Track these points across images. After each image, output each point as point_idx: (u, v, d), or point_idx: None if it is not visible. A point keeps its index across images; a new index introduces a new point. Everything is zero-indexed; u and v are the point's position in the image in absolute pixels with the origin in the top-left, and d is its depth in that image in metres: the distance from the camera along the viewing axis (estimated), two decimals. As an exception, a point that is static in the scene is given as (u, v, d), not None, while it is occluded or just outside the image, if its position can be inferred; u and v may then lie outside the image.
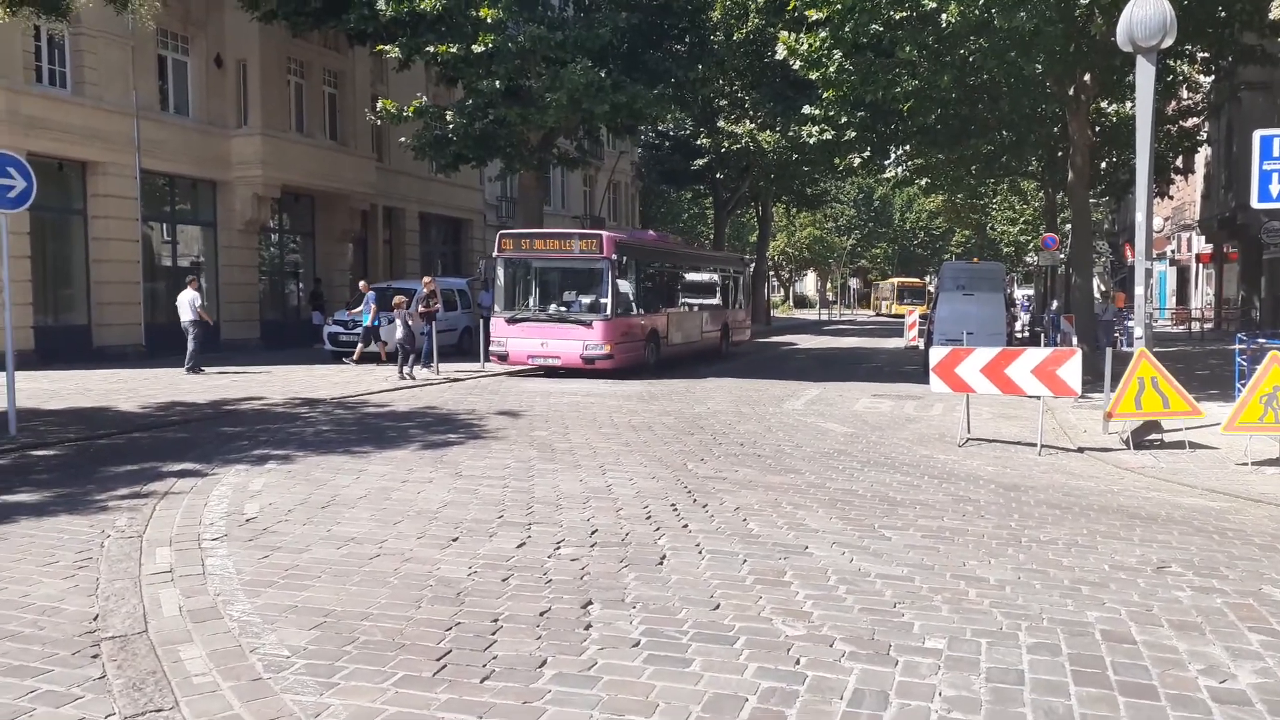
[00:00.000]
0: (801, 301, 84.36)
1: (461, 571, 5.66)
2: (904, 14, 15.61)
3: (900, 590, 5.37)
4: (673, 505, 7.46)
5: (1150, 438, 10.70)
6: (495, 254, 19.19)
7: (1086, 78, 17.16)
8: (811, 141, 26.23)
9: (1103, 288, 45.62)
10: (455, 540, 6.37)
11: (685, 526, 6.78)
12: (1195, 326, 33.98)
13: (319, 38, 25.71)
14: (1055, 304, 28.86)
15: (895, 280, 68.57)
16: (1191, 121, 26.61)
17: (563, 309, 18.90)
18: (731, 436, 11.16)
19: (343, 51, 26.82)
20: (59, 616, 4.86)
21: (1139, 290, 10.98)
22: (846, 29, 16.27)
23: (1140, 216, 10.85)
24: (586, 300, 18.69)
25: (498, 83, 20.28)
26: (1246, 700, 3.99)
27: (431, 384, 17.05)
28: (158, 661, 4.27)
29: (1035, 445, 10.39)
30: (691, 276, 23.98)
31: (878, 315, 64.82)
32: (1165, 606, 5.15)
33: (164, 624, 4.75)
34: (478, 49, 19.74)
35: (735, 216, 51.69)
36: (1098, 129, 22.85)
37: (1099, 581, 5.57)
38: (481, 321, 20.37)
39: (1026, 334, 29.97)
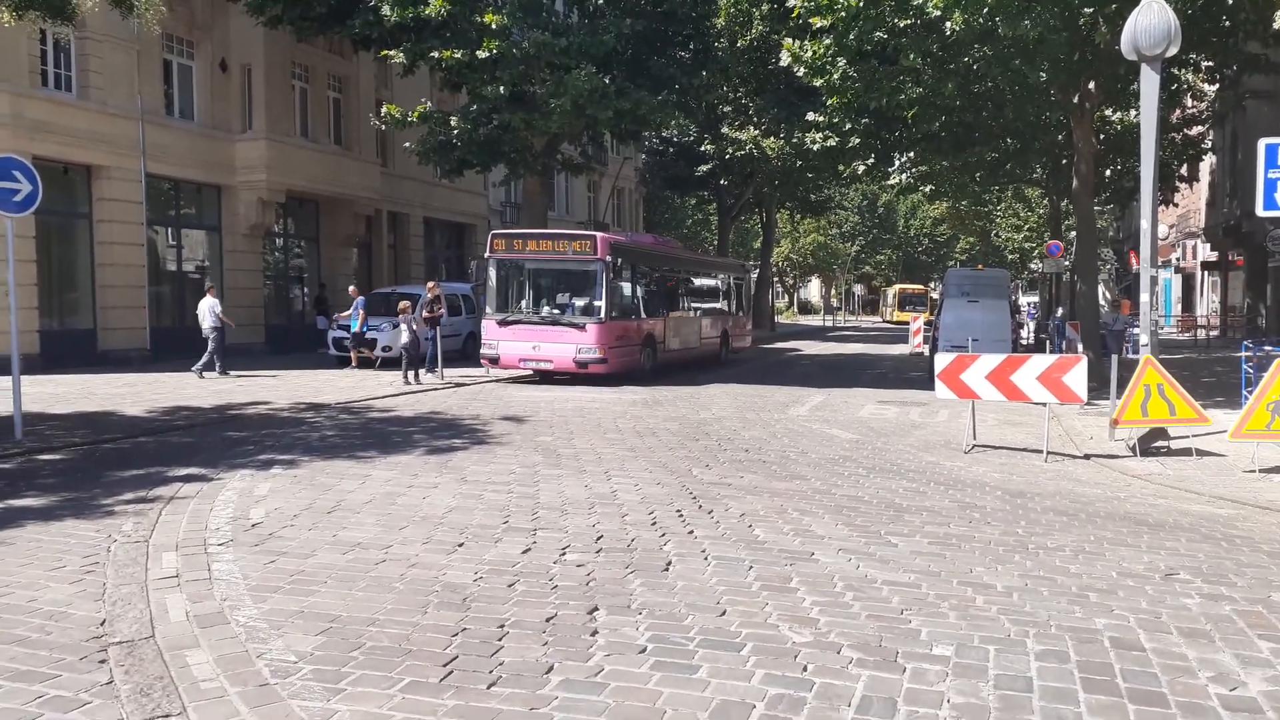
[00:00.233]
0: (806, 308, 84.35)
1: (467, 577, 5.65)
2: (908, 21, 15.63)
3: (907, 597, 5.35)
4: (678, 511, 7.45)
5: (1157, 445, 10.68)
6: (487, 255, 18.79)
7: (1091, 86, 17.17)
8: (815, 148, 26.29)
9: (1109, 295, 45.58)
10: (461, 546, 6.37)
11: (691, 532, 6.77)
12: (1201, 334, 33.94)
13: (324, 43, 25.79)
14: (1060, 311, 28.83)
15: (896, 287, 68.54)
16: (1196, 130, 26.62)
17: (556, 312, 18.49)
18: (736, 442, 11.15)
19: (347, 56, 26.90)
20: (66, 621, 4.85)
21: (1144, 298, 10.96)
22: (851, 36, 16.30)
23: (1145, 224, 10.85)
24: (580, 303, 18.25)
25: (502, 88, 20.33)
26: (1257, 708, 3.97)
27: (436, 389, 17.06)
28: (165, 667, 4.27)
29: (1041, 452, 10.37)
30: (690, 281, 23.55)
31: (884, 321, 64.67)
32: (1174, 613, 5.13)
33: (171, 629, 4.75)
34: (482, 55, 19.80)
35: (739, 223, 51.74)
36: (1102, 137, 22.85)
37: (1107, 588, 5.56)
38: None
39: (1031, 341, 29.94)
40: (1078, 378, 9.98)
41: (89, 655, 4.40)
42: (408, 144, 24.36)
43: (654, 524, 7.02)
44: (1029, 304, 48.81)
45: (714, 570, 5.85)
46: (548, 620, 4.91)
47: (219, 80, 23.70)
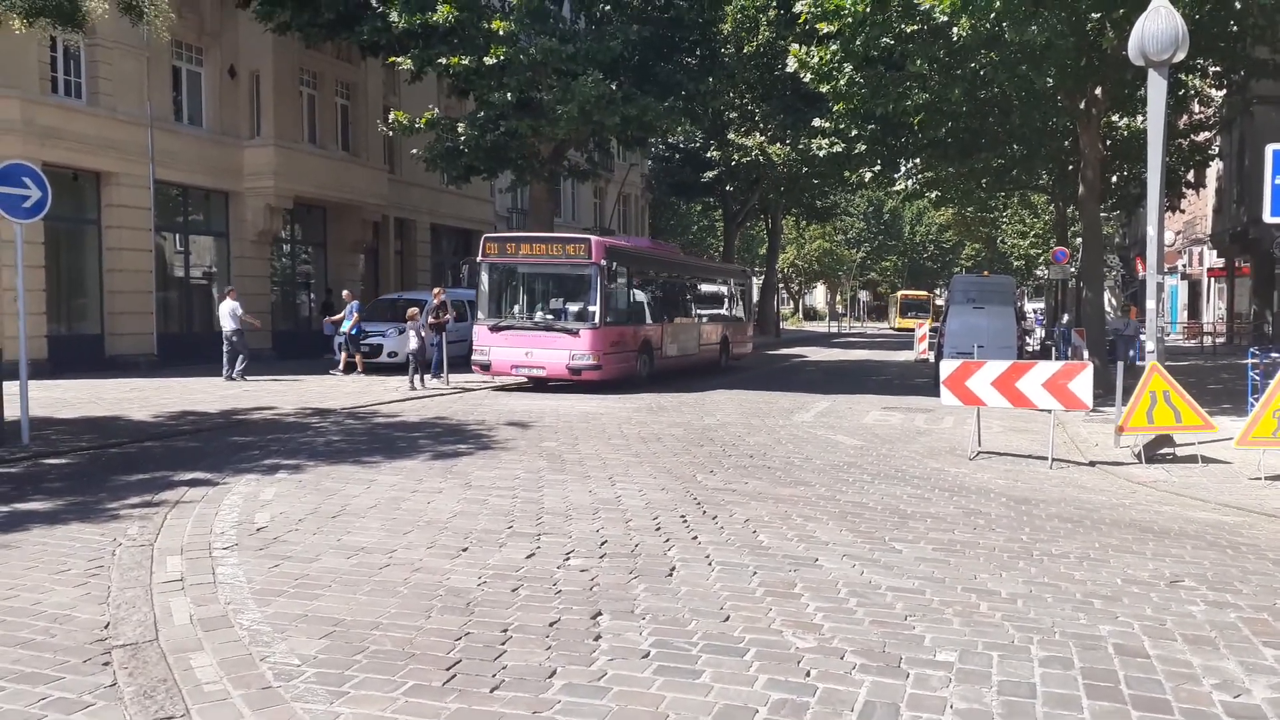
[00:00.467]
0: (811, 314, 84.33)
1: (471, 581, 5.66)
2: (915, 27, 15.64)
3: (911, 603, 5.34)
4: (682, 517, 7.45)
5: (1162, 452, 10.65)
6: (479, 258, 18.38)
7: (1098, 91, 17.15)
8: (821, 154, 26.31)
9: (1115, 302, 45.48)
10: (465, 550, 6.37)
11: (695, 538, 6.77)
12: (1207, 341, 33.83)
13: (332, 49, 25.90)
14: (1066, 318, 28.78)
15: (900, 293, 68.40)
16: (1203, 136, 26.55)
17: (549, 317, 18.14)
18: (741, 448, 11.15)
19: (355, 63, 27.00)
20: (71, 624, 4.87)
21: (1150, 304, 10.94)
22: (857, 42, 16.31)
23: (1151, 230, 10.83)
24: (574, 308, 17.87)
25: (509, 95, 20.36)
26: (1262, 716, 3.95)
27: (442, 394, 17.08)
28: (169, 669, 4.28)
29: (1046, 459, 10.35)
30: (689, 286, 23.17)
31: (891, 328, 64.48)
32: (1179, 621, 5.11)
33: (175, 632, 4.76)
34: (489, 61, 19.85)
35: (745, 229, 51.76)
36: (1109, 143, 22.80)
37: (1111, 595, 5.54)
38: None
39: (1037, 348, 29.88)
40: (1083, 384, 9.96)
41: (93, 658, 4.42)
42: (415, 150, 24.42)
43: (658, 529, 7.02)
44: (1034, 311, 48.74)
45: (718, 575, 5.84)
46: (551, 625, 4.92)
47: (227, 87, 23.81)
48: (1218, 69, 19.90)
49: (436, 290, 19.87)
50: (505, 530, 6.94)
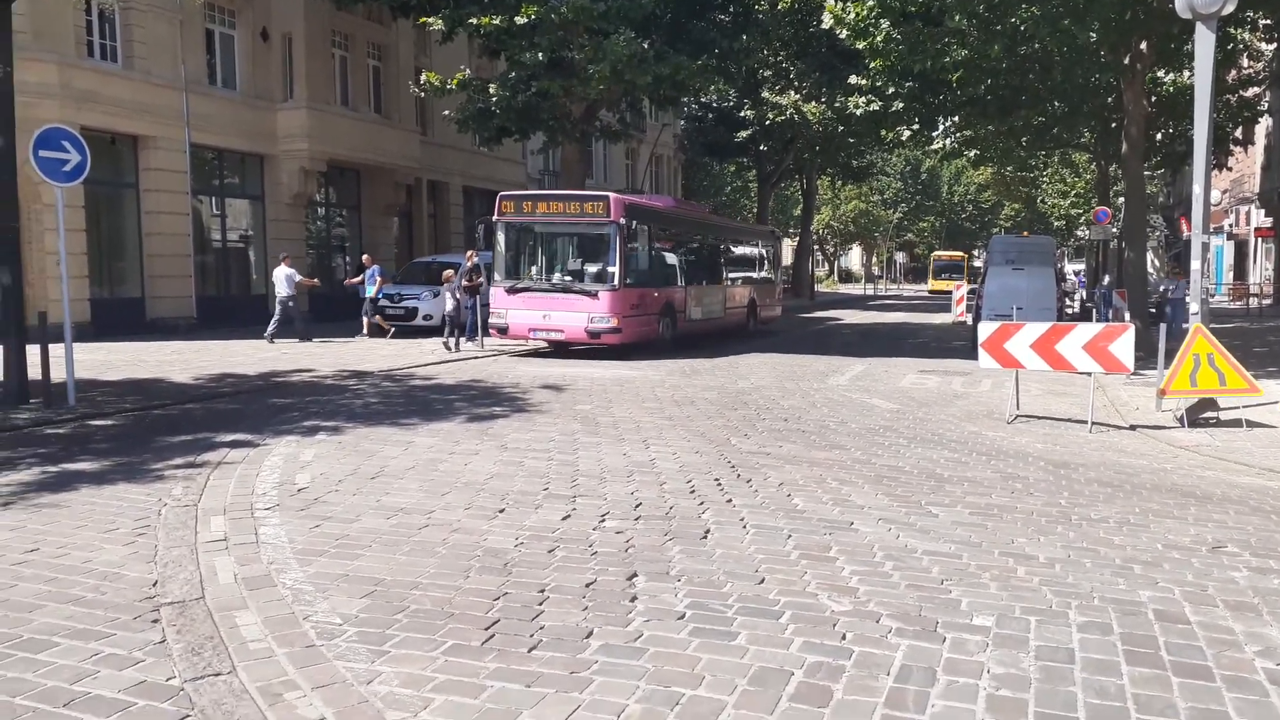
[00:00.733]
0: (847, 276, 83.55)
1: (508, 542, 5.71)
2: (954, -19, 15.29)
3: (948, 567, 5.33)
4: (716, 480, 7.46)
5: (1205, 415, 10.48)
6: (495, 217, 17.87)
7: (1143, 46, 16.70)
8: (858, 113, 25.93)
9: (1156, 263, 44.64)
10: (502, 511, 6.43)
11: (729, 501, 6.78)
12: (1253, 303, 33.14)
13: (363, 10, 25.78)
14: (1107, 279, 28.28)
15: (934, 254, 67.45)
16: (1252, 91, 25.82)
17: (567, 278, 17.60)
18: (775, 412, 11.12)
19: (386, 24, 26.92)
20: (120, 582, 4.99)
21: (1195, 265, 10.72)
22: (895, -3, 15.99)
23: (1198, 189, 10.57)
24: (593, 269, 17.33)
25: (540, 54, 20.19)
26: (1305, 684, 3.91)
27: (477, 357, 17.19)
28: (215, 627, 4.38)
29: (1086, 422, 10.22)
30: (715, 247, 22.45)
31: (929, 291, 63.56)
32: (1221, 587, 5.05)
33: (220, 591, 4.86)
34: (520, 21, 19.66)
35: (779, 190, 51.25)
36: (1153, 99, 22.25)
37: (1152, 560, 5.49)
38: None
39: (1077, 310, 29.44)
40: (1124, 347, 9.80)
41: (142, 615, 4.53)
42: (447, 112, 24.35)
43: (692, 492, 7.04)
44: (1076, 272, 47.95)
45: (752, 539, 5.86)
46: (587, 586, 4.96)
47: (260, 49, 23.85)
48: (1269, 21, 19.30)
49: (470, 253, 19.89)
50: (541, 492, 6.99)
